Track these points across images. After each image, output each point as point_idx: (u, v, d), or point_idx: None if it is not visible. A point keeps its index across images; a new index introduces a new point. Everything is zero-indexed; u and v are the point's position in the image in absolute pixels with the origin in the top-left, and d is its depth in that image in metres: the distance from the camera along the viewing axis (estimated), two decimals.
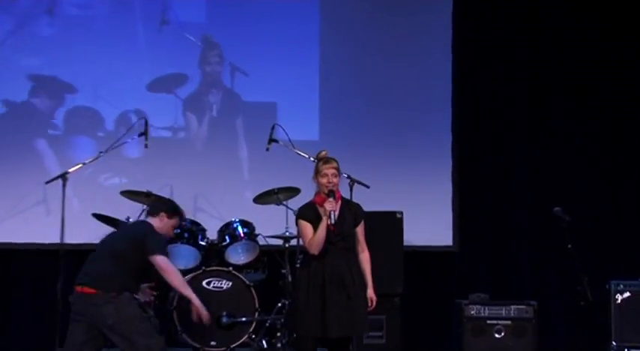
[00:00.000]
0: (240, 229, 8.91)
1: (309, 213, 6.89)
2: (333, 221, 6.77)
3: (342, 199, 7.03)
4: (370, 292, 6.88)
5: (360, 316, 6.84)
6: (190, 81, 9.81)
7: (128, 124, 9.31)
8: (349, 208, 6.98)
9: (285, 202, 8.73)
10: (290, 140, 8.68)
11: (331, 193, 6.82)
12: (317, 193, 6.95)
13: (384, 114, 9.95)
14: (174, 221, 7.04)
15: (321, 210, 6.85)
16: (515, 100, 10.12)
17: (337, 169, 6.88)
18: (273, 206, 8.86)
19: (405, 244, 9.06)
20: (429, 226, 9.79)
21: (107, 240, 7.09)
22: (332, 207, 6.78)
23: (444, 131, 10.03)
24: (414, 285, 9.43)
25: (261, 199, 8.85)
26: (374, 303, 6.89)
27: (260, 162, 9.56)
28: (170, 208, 7.04)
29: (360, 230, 6.98)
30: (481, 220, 10.06)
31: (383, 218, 8.88)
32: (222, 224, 9.02)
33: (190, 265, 8.80)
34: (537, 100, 10.06)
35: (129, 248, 6.78)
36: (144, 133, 8.77)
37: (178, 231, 8.58)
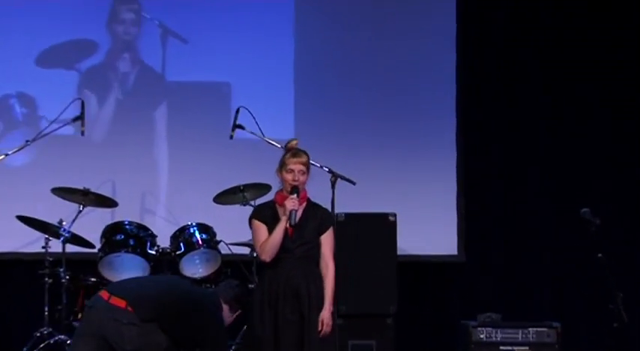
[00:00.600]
0: (197, 234, 8.45)
1: (266, 213, 6.68)
2: (293, 223, 6.54)
3: (308, 201, 6.78)
4: (324, 313, 6.57)
5: (315, 343, 6.54)
6: (99, 50, 9.17)
7: (8, 112, 9.00)
8: (314, 213, 6.74)
9: (252, 202, 8.33)
10: (259, 127, 8.23)
11: (295, 190, 6.58)
12: (278, 192, 6.77)
13: (373, 98, 9.53)
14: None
15: (280, 210, 6.65)
16: (530, 83, 9.77)
17: (306, 165, 6.68)
18: (237, 207, 8.44)
19: (399, 252, 8.73)
20: (429, 230, 9.41)
21: (165, 278, 7.48)
22: (293, 205, 6.54)
23: (447, 118, 9.61)
24: (411, 302, 9.18)
25: (224, 198, 8.49)
26: (324, 326, 6.57)
27: (223, 154, 9.12)
28: (247, 307, 6.83)
29: (325, 240, 6.69)
30: (491, 224, 9.69)
31: (373, 221, 8.61)
32: (175, 229, 8.55)
33: None
34: (553, 88, 9.77)
35: (182, 298, 6.47)
36: (80, 118, 8.32)
37: (122, 237, 8.27)
